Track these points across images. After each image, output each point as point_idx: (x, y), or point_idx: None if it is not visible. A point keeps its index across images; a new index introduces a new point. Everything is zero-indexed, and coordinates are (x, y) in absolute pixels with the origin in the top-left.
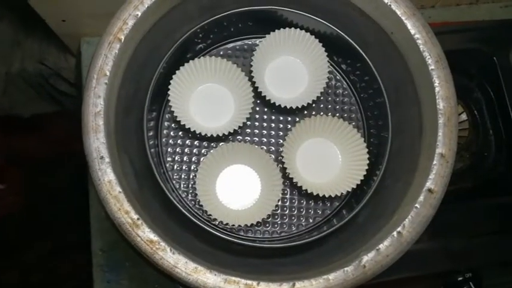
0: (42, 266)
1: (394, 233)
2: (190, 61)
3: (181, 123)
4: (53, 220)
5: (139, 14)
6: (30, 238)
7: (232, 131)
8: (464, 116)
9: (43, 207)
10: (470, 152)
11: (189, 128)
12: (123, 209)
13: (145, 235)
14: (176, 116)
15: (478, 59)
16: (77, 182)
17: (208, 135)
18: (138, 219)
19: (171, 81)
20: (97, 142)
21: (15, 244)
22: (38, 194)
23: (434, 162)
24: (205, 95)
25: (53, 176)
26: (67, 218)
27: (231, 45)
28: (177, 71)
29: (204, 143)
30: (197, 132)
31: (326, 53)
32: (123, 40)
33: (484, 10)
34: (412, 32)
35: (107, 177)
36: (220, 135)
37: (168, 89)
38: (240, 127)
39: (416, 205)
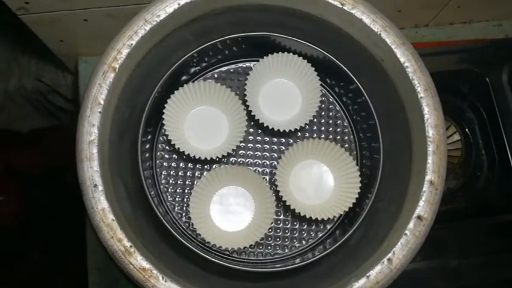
0: (37, 280)
1: (384, 259)
2: (185, 85)
3: (176, 146)
4: (49, 234)
5: (134, 43)
6: (25, 252)
7: (226, 154)
8: (456, 136)
9: (40, 220)
10: (463, 171)
11: (183, 151)
12: (116, 237)
13: (138, 263)
14: (170, 140)
15: (471, 80)
16: (73, 196)
17: (202, 158)
18: (130, 246)
19: (165, 105)
20: (91, 171)
21: (10, 257)
22: (35, 207)
23: (424, 189)
24: (199, 118)
25: (50, 190)
26: (63, 233)
27: (225, 68)
28: (171, 95)
29: (198, 165)
30: (191, 155)
31: (318, 77)
32: (117, 69)
33: (477, 29)
34: (402, 60)
35: (100, 205)
36: (214, 158)
37: (163, 113)
38: (233, 150)
39: (406, 232)
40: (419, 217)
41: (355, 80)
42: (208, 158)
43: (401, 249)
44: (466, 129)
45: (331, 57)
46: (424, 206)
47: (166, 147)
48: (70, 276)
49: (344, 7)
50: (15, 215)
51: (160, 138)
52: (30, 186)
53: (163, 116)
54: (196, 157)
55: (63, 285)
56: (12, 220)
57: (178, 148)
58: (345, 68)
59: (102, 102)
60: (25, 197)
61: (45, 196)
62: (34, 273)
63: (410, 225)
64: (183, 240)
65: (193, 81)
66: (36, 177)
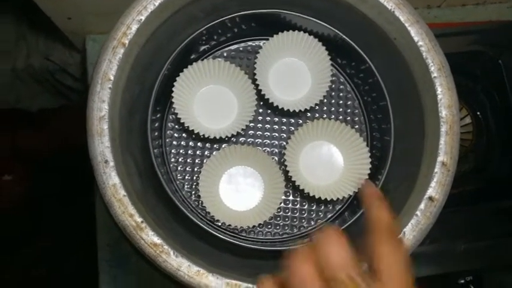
0: (46, 260)
1: None
2: (194, 63)
3: (185, 124)
4: (58, 213)
5: (143, 18)
6: (34, 231)
7: (235, 133)
8: (468, 119)
9: (47, 200)
10: (474, 155)
11: (193, 130)
12: (127, 212)
13: (149, 238)
14: (180, 118)
15: (483, 62)
16: (82, 175)
17: (211, 137)
18: (142, 222)
19: (174, 83)
20: (101, 146)
21: (20, 236)
22: (43, 186)
23: (436, 170)
24: (209, 97)
25: (59, 169)
26: (72, 212)
27: (234, 46)
28: (180, 73)
29: (207, 144)
30: (200, 134)
31: (329, 56)
32: (127, 45)
33: (490, 10)
34: (416, 39)
35: (111, 180)
36: (223, 137)
37: (172, 91)
38: (243, 129)
39: (417, 213)
40: (430, 198)
41: (367, 60)
42: (218, 137)
43: (411, 230)
44: (478, 112)
45: (343, 36)
46: (436, 187)
47: (176, 126)
48: (79, 254)
49: None
50: (23, 195)
51: (170, 116)
52: (38, 165)
53: (172, 94)
54: (206, 136)
55: (72, 264)
56: (20, 199)
57: (188, 127)
58: (357, 47)
59: (112, 78)
60: (32, 177)
61: (53, 175)
62: (44, 253)
63: (421, 206)
64: (193, 218)
65: (202, 60)
66: (44, 156)
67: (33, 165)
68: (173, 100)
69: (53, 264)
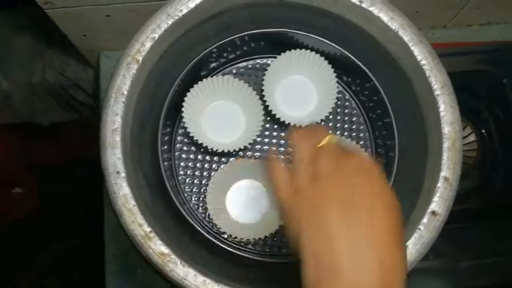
0: (55, 270)
1: None
2: (204, 79)
3: (194, 138)
4: (67, 225)
5: (157, 36)
6: (44, 242)
7: (242, 148)
8: (472, 137)
9: (58, 212)
10: (478, 172)
11: (201, 144)
12: (137, 222)
13: (157, 247)
14: (189, 132)
15: (488, 81)
16: (91, 188)
17: (220, 150)
18: (150, 231)
19: (185, 98)
20: (114, 158)
21: (30, 247)
22: (53, 199)
23: (438, 185)
24: (218, 112)
25: (68, 182)
26: (81, 224)
27: (243, 64)
28: (191, 89)
29: (215, 158)
30: (209, 147)
31: (335, 74)
32: (140, 61)
33: (495, 31)
34: (419, 58)
35: (122, 191)
36: (231, 151)
37: (182, 106)
38: (250, 143)
39: (420, 227)
40: (433, 212)
41: (372, 78)
42: (226, 151)
43: (414, 244)
44: (483, 131)
45: (349, 55)
46: (439, 201)
47: (185, 140)
48: (87, 265)
49: (362, 4)
50: (34, 207)
51: (179, 130)
52: (51, 179)
53: (182, 109)
54: (214, 150)
55: (81, 275)
56: (31, 212)
57: (197, 140)
58: (362, 66)
59: (125, 92)
60: (43, 190)
61: (64, 189)
62: (53, 263)
63: (424, 220)
64: (200, 230)
65: (212, 76)
66: (56, 170)
67: (43, 178)
68: (183, 114)
69: (62, 274)
